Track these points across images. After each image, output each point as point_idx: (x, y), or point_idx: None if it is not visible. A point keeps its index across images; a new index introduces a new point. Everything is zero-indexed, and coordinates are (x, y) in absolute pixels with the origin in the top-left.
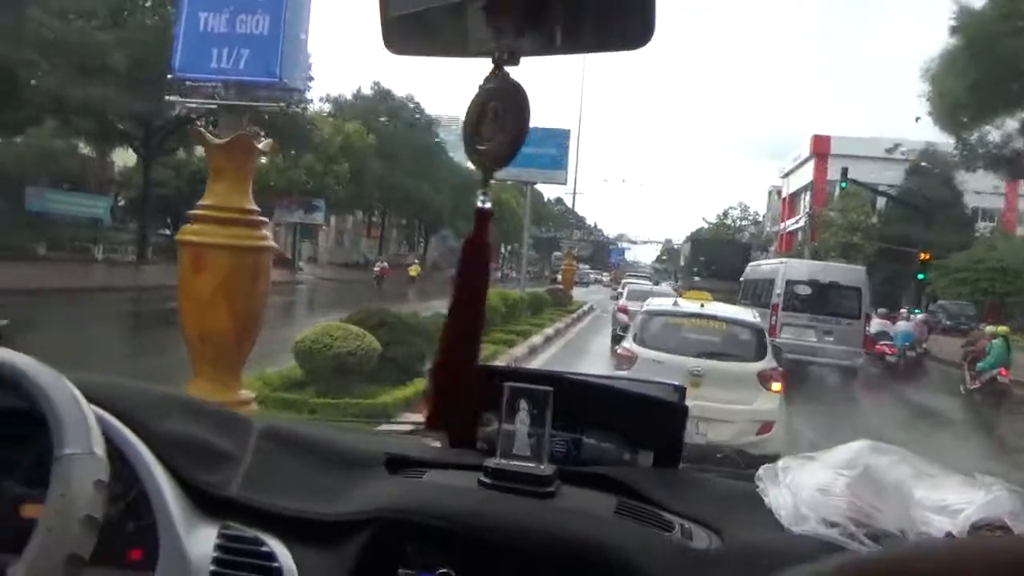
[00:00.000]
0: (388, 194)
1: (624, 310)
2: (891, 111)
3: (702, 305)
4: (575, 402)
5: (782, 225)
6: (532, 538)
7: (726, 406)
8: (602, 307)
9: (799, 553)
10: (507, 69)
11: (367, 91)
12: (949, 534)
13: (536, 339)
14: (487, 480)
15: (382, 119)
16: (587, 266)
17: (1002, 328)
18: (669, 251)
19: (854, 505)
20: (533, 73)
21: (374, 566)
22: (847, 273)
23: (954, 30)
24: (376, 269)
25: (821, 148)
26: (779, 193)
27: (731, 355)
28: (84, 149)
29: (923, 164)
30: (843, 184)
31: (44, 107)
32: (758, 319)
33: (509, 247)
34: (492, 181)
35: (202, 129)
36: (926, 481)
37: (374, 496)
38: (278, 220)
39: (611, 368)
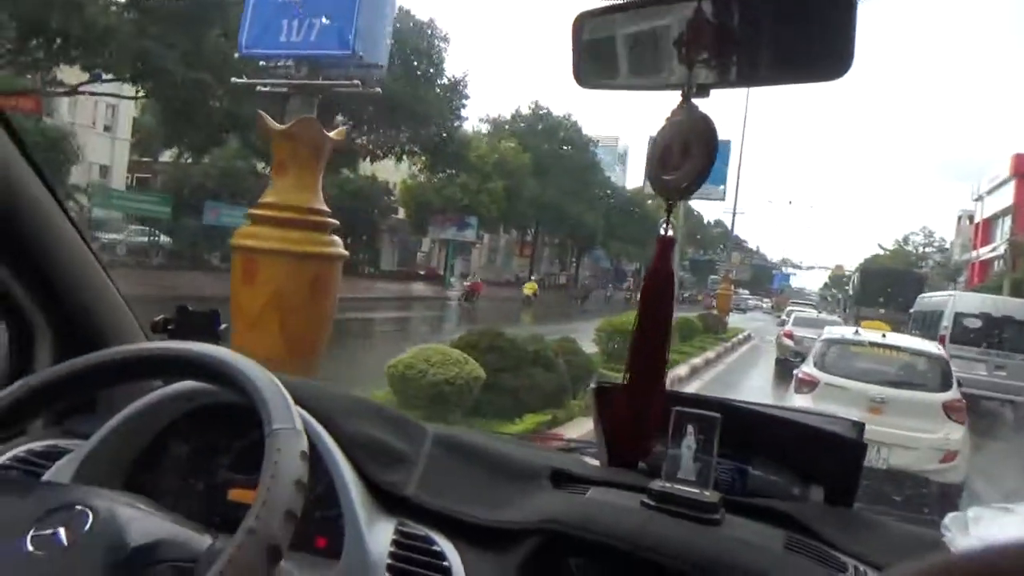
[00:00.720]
0: (541, 213)
1: (789, 335)
2: None
3: (884, 335)
4: (743, 431)
5: (974, 253)
6: (697, 563)
7: (909, 433)
8: (762, 335)
9: None
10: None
11: (525, 111)
12: None
13: (681, 370)
14: (651, 502)
15: (539, 138)
16: (747, 292)
17: None
18: (837, 278)
19: None
20: None
21: (535, 575)
22: (1021, 307)
23: None
24: (466, 284)
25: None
26: (971, 218)
27: (915, 384)
28: (263, 168)
29: None
30: None
31: (223, 127)
32: (943, 351)
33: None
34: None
35: (262, 112)
36: None
37: (540, 507)
38: (432, 237)
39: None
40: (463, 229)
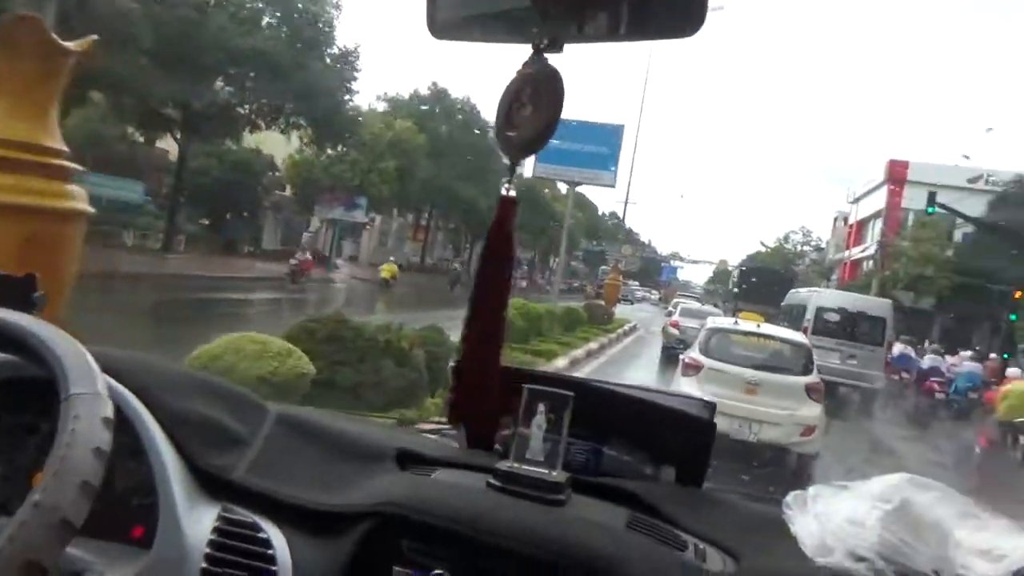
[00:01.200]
0: (435, 196)
1: (675, 325)
2: (969, 140)
3: (758, 325)
4: (599, 411)
5: (847, 253)
6: (537, 545)
7: (777, 411)
8: (647, 326)
9: None
10: (548, 56)
11: (425, 91)
12: None
13: (561, 362)
14: (496, 483)
15: (436, 120)
16: (636, 283)
17: None
18: (721, 273)
19: (886, 540)
20: (588, 75)
21: (370, 560)
22: (873, 304)
23: None
24: (292, 262)
25: (897, 174)
26: (845, 220)
27: (783, 368)
28: (133, 134)
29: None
30: (930, 209)
31: (89, 86)
32: (806, 340)
33: (558, 259)
34: (533, 173)
35: None
36: (969, 522)
37: (377, 490)
38: (319, 216)
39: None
40: (351, 209)
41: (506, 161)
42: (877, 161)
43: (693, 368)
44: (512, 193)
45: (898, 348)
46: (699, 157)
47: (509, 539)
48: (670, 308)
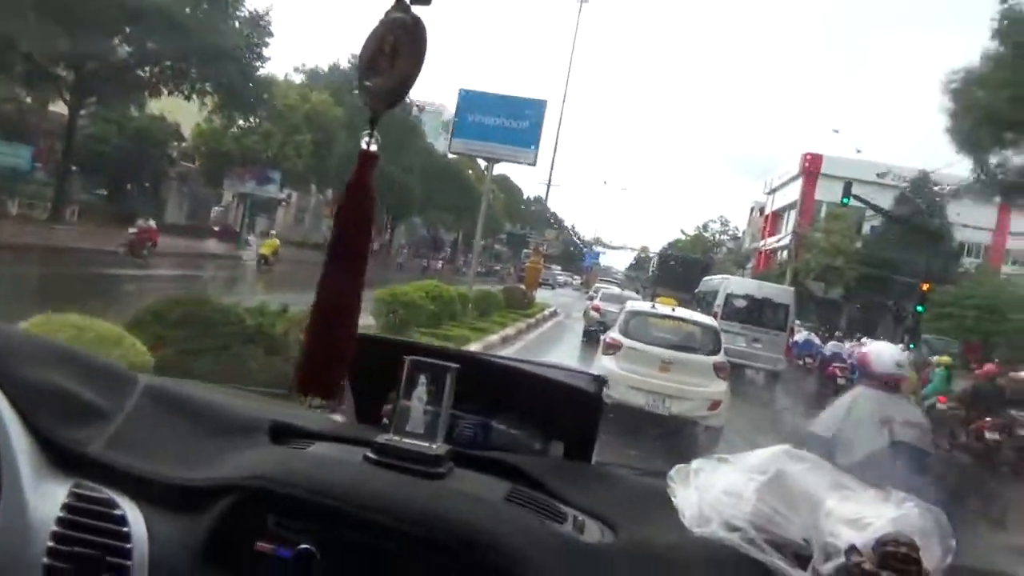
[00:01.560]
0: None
1: (597, 309)
2: (880, 137)
3: (673, 309)
4: (488, 385)
5: (762, 243)
6: (409, 518)
7: (687, 387)
8: (568, 311)
9: (692, 555)
10: (413, 7)
11: (345, 64)
12: (853, 547)
13: (473, 348)
14: (373, 456)
15: (356, 94)
16: (559, 268)
17: (945, 359)
18: (642, 259)
19: (759, 511)
20: (510, 55)
21: (230, 537)
22: (778, 292)
23: (998, 34)
24: (131, 231)
25: (812, 167)
26: (762, 210)
27: (694, 348)
28: (21, 95)
29: (918, 189)
30: (845, 200)
31: None
32: (715, 323)
33: (483, 242)
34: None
35: None
36: (839, 492)
37: (243, 464)
38: (228, 190)
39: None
40: (264, 184)
41: (369, 113)
42: (794, 155)
43: (613, 347)
44: (373, 148)
45: (803, 335)
46: (624, 145)
47: (380, 512)
48: (591, 293)
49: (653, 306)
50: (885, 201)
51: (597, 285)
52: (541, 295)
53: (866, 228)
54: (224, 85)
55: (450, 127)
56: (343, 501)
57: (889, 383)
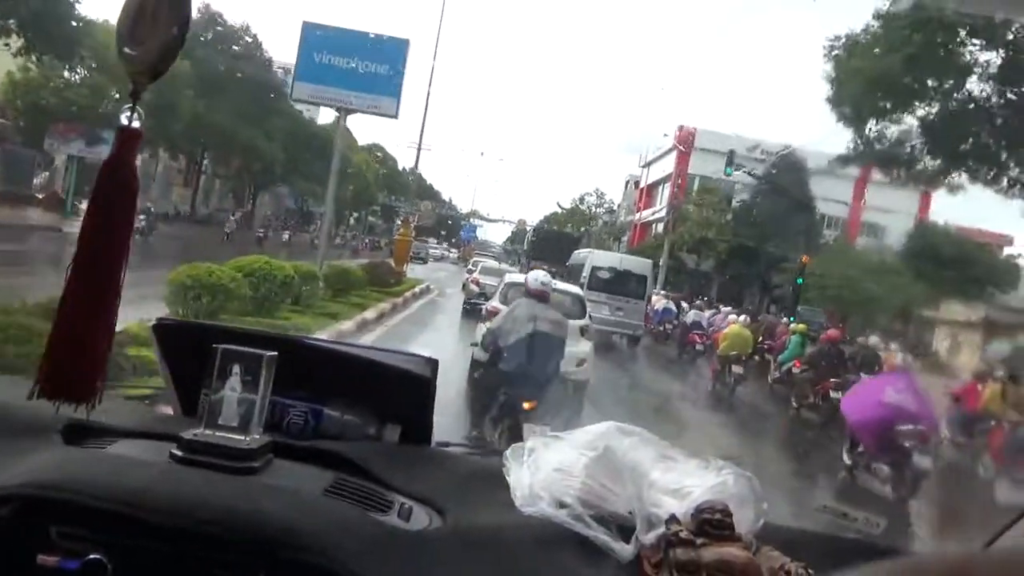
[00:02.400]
0: (209, 137)
1: (476, 282)
2: (752, 113)
3: None
4: (319, 371)
5: (637, 216)
6: (212, 519)
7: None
8: (444, 288)
9: (520, 535)
10: None
11: (194, 14)
12: (673, 516)
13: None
14: (179, 453)
15: (207, 48)
16: (434, 240)
17: (800, 326)
18: (519, 232)
19: (587, 487)
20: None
21: (11, 551)
22: (637, 264)
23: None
24: None
25: (685, 140)
26: (637, 183)
27: (564, 314)
28: None
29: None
30: (728, 170)
31: None
32: (582, 292)
33: (356, 214)
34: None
35: None
36: (664, 463)
37: (25, 470)
38: (51, 150)
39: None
40: (95, 144)
41: (130, 85)
42: (669, 130)
43: (493, 314)
44: (136, 124)
45: (662, 303)
46: (502, 117)
47: (179, 516)
48: (470, 266)
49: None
50: (756, 173)
51: (476, 259)
52: (415, 271)
53: (736, 202)
54: (27, 22)
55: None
56: (134, 506)
57: (537, 295)
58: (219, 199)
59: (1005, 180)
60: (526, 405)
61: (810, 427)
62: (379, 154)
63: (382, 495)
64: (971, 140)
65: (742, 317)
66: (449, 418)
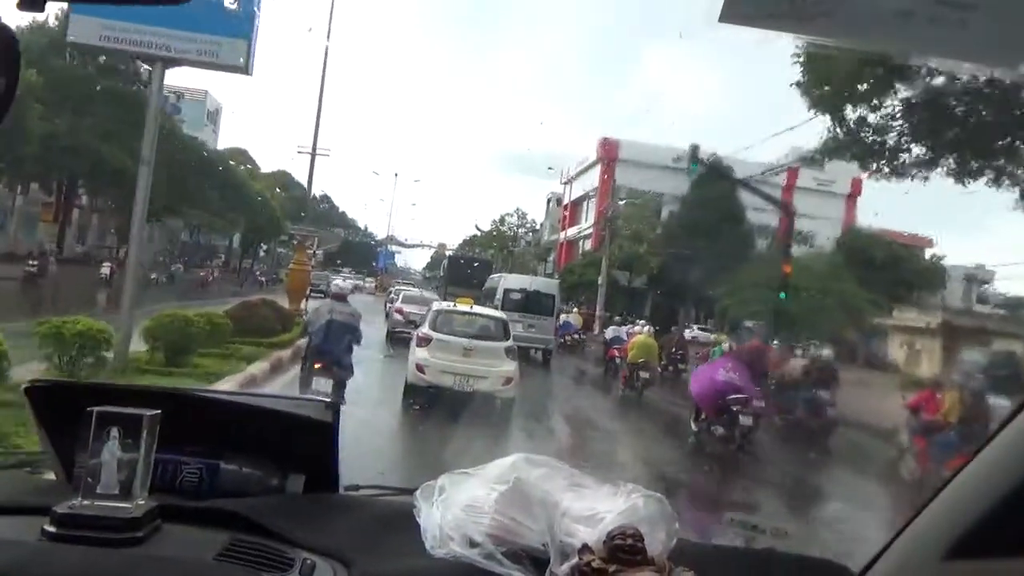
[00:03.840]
0: (70, 160)
1: (400, 311)
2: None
3: (471, 306)
4: (211, 424)
5: (562, 234)
6: None
7: (485, 368)
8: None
9: None
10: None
11: (53, 22)
12: (585, 545)
13: None
14: (53, 529)
15: (65, 59)
16: (347, 270)
17: (722, 336)
18: (439, 257)
19: (498, 522)
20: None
21: None
22: (545, 284)
23: None
24: None
25: (609, 152)
26: (559, 201)
27: (489, 337)
28: None
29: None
30: (694, 165)
31: None
32: (504, 315)
33: (265, 246)
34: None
35: None
36: (574, 491)
37: None
38: None
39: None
40: None
41: None
42: (587, 149)
43: (425, 340)
44: None
45: (564, 318)
46: (415, 138)
47: None
48: (392, 295)
49: (454, 304)
50: (682, 185)
51: (397, 288)
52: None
53: (665, 214)
54: None
55: (218, 117)
56: None
57: (336, 296)
58: (99, 235)
59: (993, 170)
60: (317, 365)
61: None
62: (284, 180)
63: (282, 553)
64: (960, 126)
65: (646, 328)
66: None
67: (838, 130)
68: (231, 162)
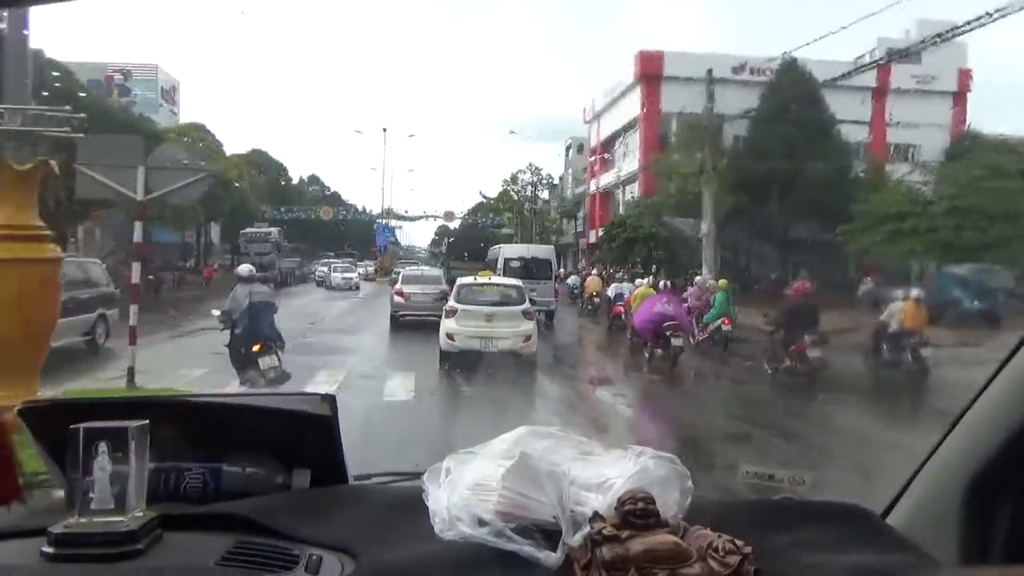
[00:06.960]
0: None
1: (400, 293)
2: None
3: (490, 278)
4: (209, 428)
5: (591, 185)
6: None
7: (507, 330)
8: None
9: (439, 563)
10: None
11: None
12: (596, 513)
13: None
14: (50, 550)
15: None
16: (333, 254)
17: (722, 282)
18: (443, 231)
19: (506, 499)
20: None
21: None
22: (541, 250)
23: None
24: None
25: (651, 69)
26: (580, 147)
27: (508, 303)
28: None
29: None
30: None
31: None
32: (520, 283)
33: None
34: None
35: None
36: (582, 460)
37: None
38: None
39: (441, 319)
40: None
41: None
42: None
43: (452, 312)
44: None
45: (572, 280)
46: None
47: None
48: (394, 276)
49: (475, 278)
50: (749, 100)
51: (398, 270)
52: (300, 312)
53: (728, 139)
54: None
55: (176, 95)
56: None
57: (246, 279)
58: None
59: None
60: (255, 348)
61: (794, 390)
62: (259, 160)
63: (287, 551)
64: None
65: (647, 279)
66: None
67: None
68: (185, 139)
